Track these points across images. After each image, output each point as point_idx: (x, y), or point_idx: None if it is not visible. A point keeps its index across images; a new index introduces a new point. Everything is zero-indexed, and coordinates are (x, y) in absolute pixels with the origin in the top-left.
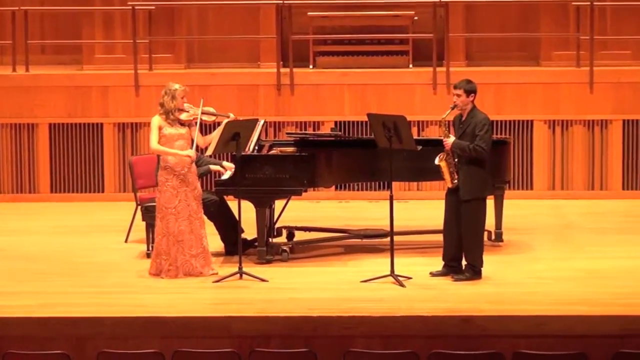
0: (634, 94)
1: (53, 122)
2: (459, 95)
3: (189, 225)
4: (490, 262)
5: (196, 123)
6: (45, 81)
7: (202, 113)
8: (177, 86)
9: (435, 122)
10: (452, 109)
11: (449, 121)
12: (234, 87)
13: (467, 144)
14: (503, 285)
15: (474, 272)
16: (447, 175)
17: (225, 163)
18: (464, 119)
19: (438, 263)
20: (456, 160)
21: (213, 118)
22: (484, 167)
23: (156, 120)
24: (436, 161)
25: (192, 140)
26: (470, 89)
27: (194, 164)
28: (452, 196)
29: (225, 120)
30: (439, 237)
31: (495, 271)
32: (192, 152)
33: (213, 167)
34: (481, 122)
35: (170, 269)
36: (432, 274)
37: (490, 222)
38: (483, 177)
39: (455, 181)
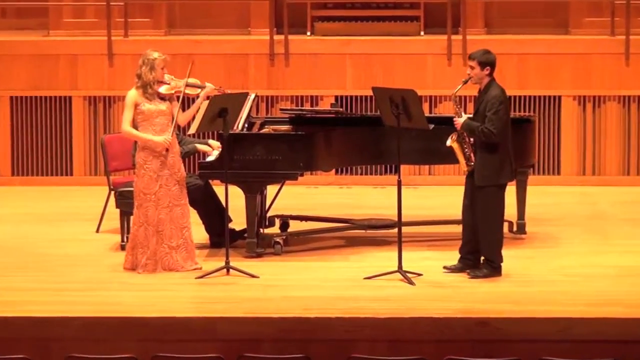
0: None
1: (15, 95)
2: (472, 67)
3: (169, 213)
4: (511, 257)
5: (178, 98)
6: (6, 48)
7: (187, 85)
8: (156, 55)
9: (449, 97)
10: (464, 82)
11: (459, 97)
12: (221, 57)
13: (477, 125)
14: (525, 283)
15: (492, 268)
16: (461, 158)
17: (211, 142)
18: (480, 94)
19: (453, 258)
20: (471, 140)
21: (198, 91)
22: (498, 150)
23: (132, 95)
24: (448, 142)
25: (173, 118)
26: (485, 61)
27: (177, 144)
28: (470, 180)
29: (203, 92)
30: (454, 229)
31: (516, 267)
32: (168, 138)
33: (200, 147)
34: (492, 101)
35: (148, 263)
36: (447, 269)
37: (511, 211)
38: (499, 162)
39: (472, 164)
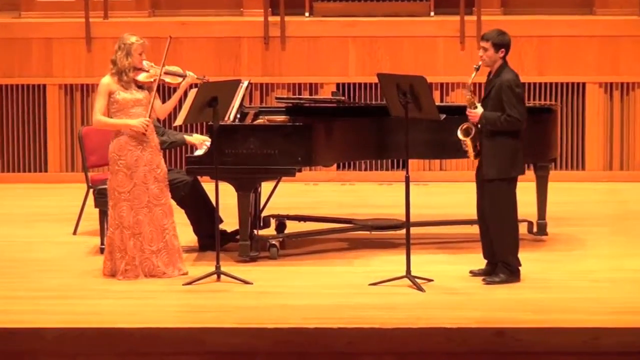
0: None
1: None
2: (485, 49)
3: (149, 214)
4: (531, 260)
5: (154, 86)
6: None
7: (165, 73)
8: (133, 39)
9: (463, 84)
10: (477, 69)
11: (473, 84)
12: (211, 40)
13: (497, 115)
14: (546, 289)
15: (510, 272)
16: (471, 150)
17: (197, 136)
18: (491, 77)
19: (467, 262)
20: (478, 126)
21: (179, 80)
22: (511, 139)
23: (106, 83)
24: (460, 135)
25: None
26: (500, 42)
27: (155, 135)
28: (480, 175)
29: (184, 82)
30: (468, 229)
31: (536, 272)
32: (145, 120)
33: (189, 138)
34: (506, 84)
35: (127, 269)
36: (473, 273)
37: (531, 211)
38: (511, 152)
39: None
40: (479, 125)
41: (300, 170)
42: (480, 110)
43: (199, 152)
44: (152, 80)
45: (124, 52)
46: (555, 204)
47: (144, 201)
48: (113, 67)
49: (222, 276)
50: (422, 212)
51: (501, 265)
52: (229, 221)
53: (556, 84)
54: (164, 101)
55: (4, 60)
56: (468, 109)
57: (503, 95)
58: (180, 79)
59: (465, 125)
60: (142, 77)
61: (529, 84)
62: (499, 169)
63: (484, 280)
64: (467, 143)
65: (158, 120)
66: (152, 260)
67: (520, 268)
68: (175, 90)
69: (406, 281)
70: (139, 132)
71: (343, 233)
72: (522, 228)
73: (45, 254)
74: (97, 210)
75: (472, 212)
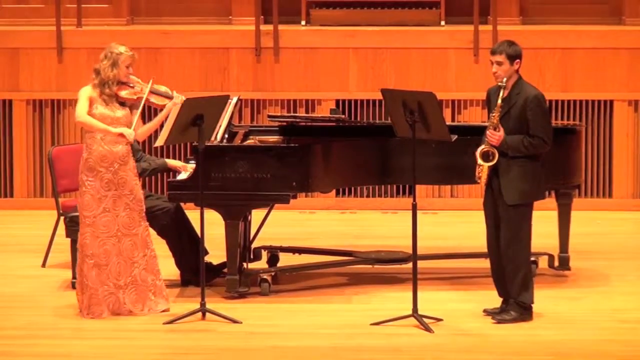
0: None
1: None
2: (499, 63)
3: (117, 244)
4: (552, 297)
5: (140, 105)
6: None
7: (152, 92)
8: (122, 49)
9: (476, 101)
10: (504, 87)
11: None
12: (196, 51)
13: (520, 139)
14: (568, 329)
15: (523, 310)
16: (484, 176)
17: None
18: (505, 94)
19: (480, 300)
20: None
21: (165, 101)
22: (538, 160)
23: (87, 91)
24: (479, 159)
25: (131, 125)
26: (514, 53)
27: (131, 158)
28: (490, 201)
29: (170, 104)
30: (481, 263)
31: (558, 310)
32: (130, 132)
33: (172, 163)
34: (534, 101)
35: (92, 305)
36: (487, 312)
37: (553, 242)
38: (536, 173)
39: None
40: (498, 149)
41: (295, 197)
42: (502, 133)
43: (182, 176)
44: (135, 97)
45: (110, 62)
46: (579, 236)
47: (112, 230)
48: (96, 77)
49: (207, 314)
50: (430, 244)
51: (513, 302)
52: (216, 253)
53: (580, 101)
54: (144, 122)
55: None
56: (490, 130)
57: (529, 113)
58: (167, 101)
59: (485, 149)
60: (125, 93)
61: (551, 101)
62: (523, 193)
63: (493, 318)
64: (484, 169)
65: (137, 142)
66: (117, 296)
67: (532, 305)
68: (160, 111)
69: (412, 320)
70: (117, 143)
71: (342, 267)
72: (543, 262)
73: (11, 289)
74: (68, 240)
75: (485, 244)
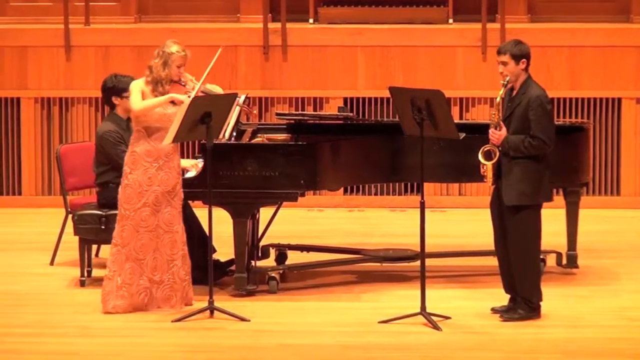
0: None
1: None
2: (505, 63)
3: (155, 239)
4: (560, 295)
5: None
6: None
7: (203, 92)
8: (174, 49)
9: (484, 99)
10: (505, 85)
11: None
12: (204, 49)
13: (521, 139)
14: (576, 328)
15: (530, 308)
16: (489, 174)
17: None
18: (514, 94)
19: (488, 298)
20: (499, 148)
21: None
22: (540, 161)
23: (140, 84)
24: (480, 158)
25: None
26: (519, 52)
27: (177, 156)
28: (496, 200)
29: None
30: (489, 261)
31: (566, 309)
32: (183, 97)
33: (184, 163)
34: (536, 101)
35: (117, 298)
36: (495, 311)
37: (560, 241)
38: (537, 175)
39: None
40: (500, 148)
41: (303, 195)
42: (504, 132)
43: (190, 174)
44: (187, 96)
45: (162, 61)
46: (587, 234)
47: (151, 225)
48: (149, 74)
49: (215, 312)
50: (438, 242)
51: (521, 300)
52: (224, 251)
53: (588, 99)
54: None
55: None
56: (491, 129)
57: (531, 114)
58: None
59: (487, 148)
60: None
61: (559, 99)
62: (522, 194)
63: (501, 316)
64: (488, 167)
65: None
66: (151, 291)
67: (541, 304)
68: None
69: (421, 319)
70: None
71: (350, 265)
72: (551, 260)
73: (19, 287)
74: (76, 238)
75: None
